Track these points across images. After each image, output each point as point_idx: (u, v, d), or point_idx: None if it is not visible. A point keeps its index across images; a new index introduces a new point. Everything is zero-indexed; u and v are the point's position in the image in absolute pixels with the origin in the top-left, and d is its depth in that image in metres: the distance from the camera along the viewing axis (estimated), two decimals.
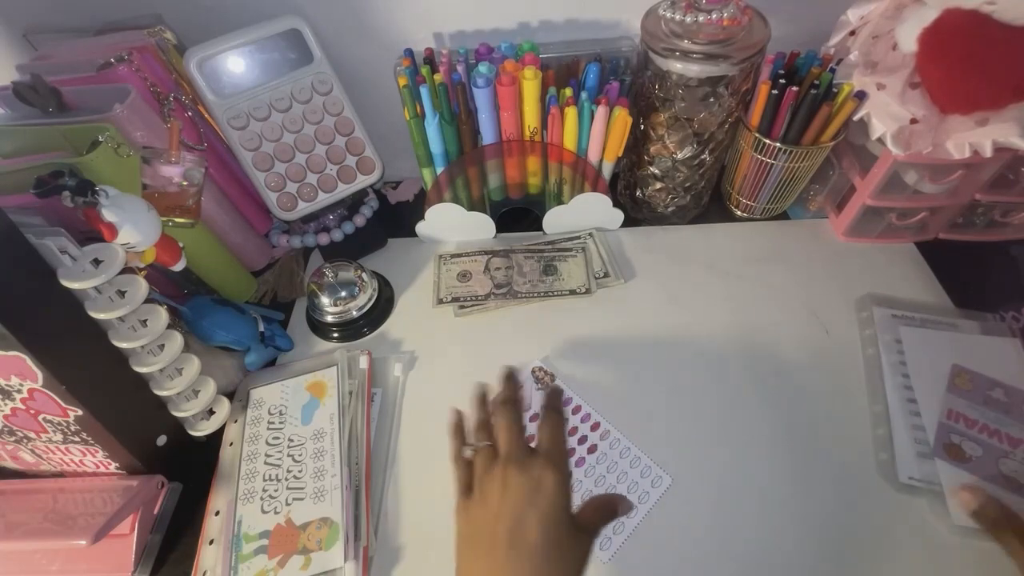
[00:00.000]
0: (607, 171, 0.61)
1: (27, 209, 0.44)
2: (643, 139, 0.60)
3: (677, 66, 0.50)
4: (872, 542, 0.44)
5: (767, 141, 0.55)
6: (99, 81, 0.51)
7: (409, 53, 0.57)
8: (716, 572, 0.43)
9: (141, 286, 0.43)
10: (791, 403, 0.51)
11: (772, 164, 0.57)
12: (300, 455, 0.49)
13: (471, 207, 0.63)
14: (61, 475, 0.49)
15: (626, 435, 0.50)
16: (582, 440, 0.50)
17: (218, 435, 0.51)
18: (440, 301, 0.60)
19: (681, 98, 0.53)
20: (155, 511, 0.48)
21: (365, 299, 0.59)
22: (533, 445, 0.37)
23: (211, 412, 0.51)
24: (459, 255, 0.64)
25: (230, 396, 0.54)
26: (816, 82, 0.52)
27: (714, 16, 0.49)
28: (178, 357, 0.46)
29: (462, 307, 0.60)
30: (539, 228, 0.66)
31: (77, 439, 0.44)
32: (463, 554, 0.34)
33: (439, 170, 0.62)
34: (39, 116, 0.48)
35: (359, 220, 0.64)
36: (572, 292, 0.60)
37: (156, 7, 0.57)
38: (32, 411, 0.42)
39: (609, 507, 0.36)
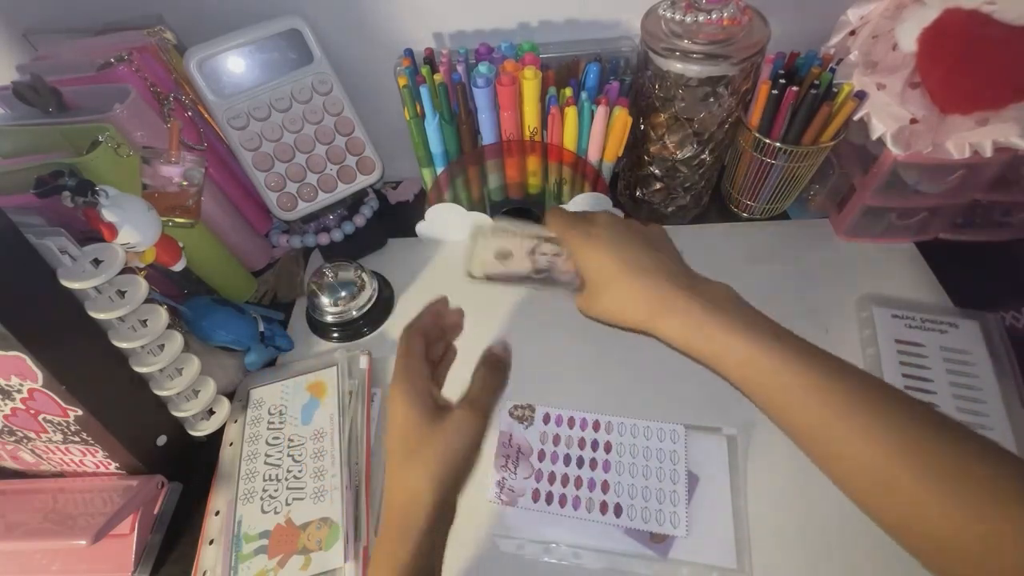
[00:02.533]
0: (607, 171, 0.61)
1: (27, 209, 0.44)
2: (643, 139, 0.60)
3: (677, 66, 0.50)
4: (872, 542, 0.44)
5: (767, 141, 0.55)
6: (99, 81, 0.51)
7: (409, 53, 0.57)
8: None
9: (141, 286, 0.43)
10: None
11: (772, 164, 0.57)
12: (300, 455, 0.49)
13: (471, 207, 0.63)
14: (61, 475, 0.49)
15: (628, 417, 0.50)
16: (595, 446, 0.49)
17: (218, 435, 0.51)
18: (472, 276, 0.51)
19: (681, 98, 0.53)
20: (155, 511, 0.48)
21: (365, 299, 0.59)
22: None
23: (211, 412, 0.51)
24: (505, 231, 0.53)
25: (230, 396, 0.54)
26: (816, 82, 0.52)
27: (714, 16, 0.49)
28: (178, 357, 0.46)
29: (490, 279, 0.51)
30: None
31: (77, 439, 0.44)
32: None
33: (439, 170, 0.62)
34: (39, 116, 0.48)
35: (359, 220, 0.65)
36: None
37: (156, 7, 0.57)
38: (32, 411, 0.42)
39: (490, 367, 0.37)
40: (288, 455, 0.49)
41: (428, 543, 0.32)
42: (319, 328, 0.60)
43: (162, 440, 0.48)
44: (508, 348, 0.38)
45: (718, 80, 0.51)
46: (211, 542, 0.46)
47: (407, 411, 0.33)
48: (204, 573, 0.44)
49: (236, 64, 0.53)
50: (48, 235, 0.40)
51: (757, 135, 0.56)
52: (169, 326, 0.45)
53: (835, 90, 0.51)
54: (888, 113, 0.49)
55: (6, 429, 0.45)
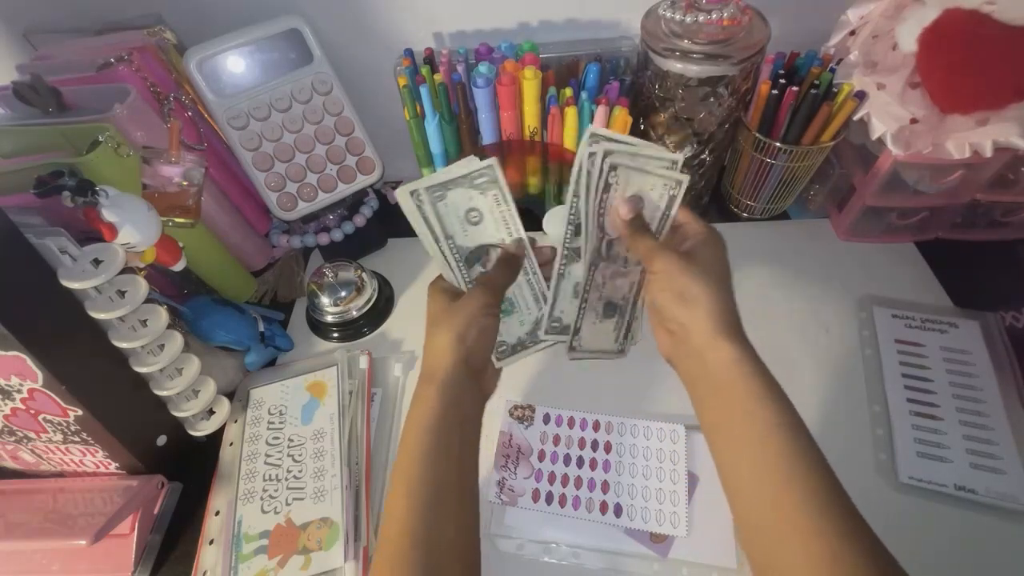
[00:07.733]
0: None
1: (27, 209, 0.44)
2: (643, 139, 0.60)
3: (677, 66, 0.50)
4: None
5: (767, 141, 0.55)
6: (99, 81, 0.51)
7: (409, 53, 0.57)
8: None
9: (141, 286, 0.43)
10: None
11: (772, 164, 0.57)
12: (300, 455, 0.49)
13: None
14: (61, 475, 0.49)
15: (629, 417, 0.50)
16: (595, 446, 0.49)
17: (218, 435, 0.51)
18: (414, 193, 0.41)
19: (681, 98, 0.53)
20: (155, 511, 0.48)
21: (365, 299, 0.59)
22: None
23: (211, 412, 0.51)
24: (500, 201, 0.43)
25: (230, 396, 0.54)
26: (816, 82, 0.52)
27: (714, 16, 0.49)
28: (178, 357, 0.46)
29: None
30: (539, 228, 0.66)
31: (77, 439, 0.44)
32: None
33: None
34: (39, 116, 0.48)
35: (359, 220, 0.64)
36: None
37: (156, 7, 0.57)
38: (32, 411, 0.42)
39: (503, 259, 0.41)
40: (288, 455, 0.49)
41: (454, 391, 0.37)
42: (319, 328, 0.60)
43: (162, 440, 0.48)
44: (522, 245, 0.42)
45: (718, 80, 0.51)
46: (211, 542, 0.46)
47: (433, 300, 0.41)
48: (204, 573, 0.44)
49: (236, 64, 0.53)
50: (48, 235, 0.40)
51: (757, 135, 0.56)
52: (169, 326, 0.45)
53: (835, 90, 0.51)
54: (888, 113, 0.49)
55: (6, 429, 0.45)
